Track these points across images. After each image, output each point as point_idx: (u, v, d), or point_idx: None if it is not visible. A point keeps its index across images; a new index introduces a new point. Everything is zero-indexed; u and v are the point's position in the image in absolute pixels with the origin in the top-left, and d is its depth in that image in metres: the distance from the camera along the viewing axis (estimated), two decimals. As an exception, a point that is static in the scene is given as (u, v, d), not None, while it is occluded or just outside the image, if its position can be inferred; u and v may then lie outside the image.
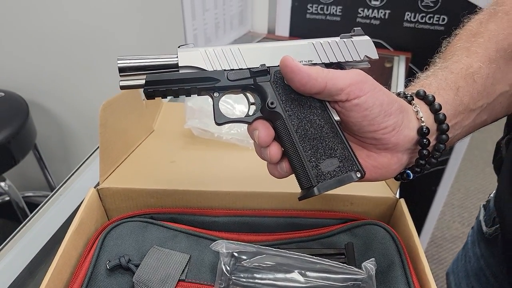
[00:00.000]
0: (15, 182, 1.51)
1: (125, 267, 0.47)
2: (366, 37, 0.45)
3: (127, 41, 1.35)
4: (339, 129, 0.42)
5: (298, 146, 0.41)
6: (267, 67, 0.43)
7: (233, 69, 0.43)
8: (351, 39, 0.44)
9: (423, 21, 1.08)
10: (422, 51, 1.10)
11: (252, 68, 0.43)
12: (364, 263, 0.43)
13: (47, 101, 1.59)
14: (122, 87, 0.42)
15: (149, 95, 0.43)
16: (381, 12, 1.09)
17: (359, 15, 1.10)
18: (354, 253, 0.47)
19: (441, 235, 2.03)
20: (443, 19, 1.06)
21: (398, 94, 0.45)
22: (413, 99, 0.44)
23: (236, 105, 0.75)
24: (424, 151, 0.43)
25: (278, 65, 0.42)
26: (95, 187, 0.56)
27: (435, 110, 0.43)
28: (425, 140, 0.42)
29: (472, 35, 0.49)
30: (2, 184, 1.44)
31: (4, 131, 1.29)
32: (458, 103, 0.44)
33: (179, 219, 0.55)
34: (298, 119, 0.42)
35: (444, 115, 0.43)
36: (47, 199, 0.72)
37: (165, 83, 0.42)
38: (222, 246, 0.46)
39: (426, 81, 0.46)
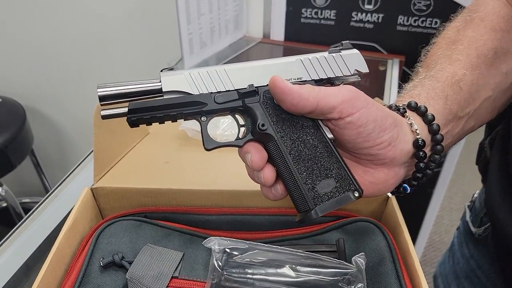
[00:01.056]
0: (12, 188, 1.51)
1: (118, 264, 0.47)
2: (355, 51, 0.44)
3: (122, 46, 1.36)
4: (334, 147, 0.41)
5: (293, 169, 0.40)
6: (255, 87, 0.41)
7: (220, 92, 0.41)
8: (340, 53, 0.43)
9: (416, 24, 1.09)
10: (416, 54, 1.12)
11: (240, 89, 0.41)
12: (354, 258, 0.44)
13: (44, 107, 1.60)
14: (104, 117, 0.40)
15: (133, 124, 0.41)
16: (375, 16, 1.10)
17: (352, 19, 1.12)
18: (345, 249, 0.48)
19: (439, 239, 2.03)
20: (436, 23, 1.07)
21: (390, 107, 0.44)
22: (406, 111, 0.43)
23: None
24: (421, 164, 0.43)
25: (267, 85, 0.40)
26: (89, 187, 0.56)
27: (428, 121, 0.43)
28: (421, 153, 0.42)
29: (451, 42, 0.49)
30: (-1, 189, 1.44)
31: (1, 136, 1.29)
32: (448, 112, 0.44)
33: (173, 218, 0.56)
34: (291, 140, 0.40)
35: (438, 125, 0.42)
36: (42, 200, 0.72)
37: (149, 110, 0.40)
38: (215, 243, 0.46)
39: (415, 92, 0.46)
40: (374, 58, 1.12)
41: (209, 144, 0.42)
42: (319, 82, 0.43)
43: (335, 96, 0.39)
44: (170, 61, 1.06)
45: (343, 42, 0.45)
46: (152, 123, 0.41)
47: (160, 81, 0.40)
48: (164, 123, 0.42)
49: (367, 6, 1.10)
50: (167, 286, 0.46)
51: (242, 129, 0.43)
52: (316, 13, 1.14)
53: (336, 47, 0.45)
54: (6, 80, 1.53)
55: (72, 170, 0.79)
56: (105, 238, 0.50)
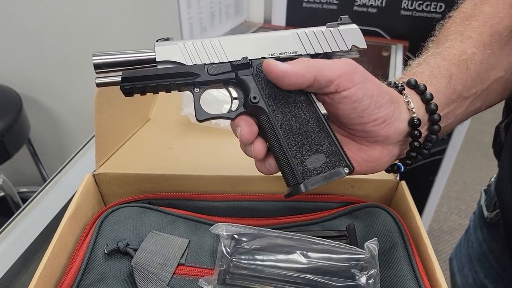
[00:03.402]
0: (9, 178, 1.49)
1: (123, 252, 0.46)
2: (354, 26, 0.43)
3: (121, 32, 1.34)
4: (326, 123, 0.41)
5: (283, 142, 0.40)
6: (249, 60, 0.41)
7: (213, 63, 0.41)
8: (338, 28, 0.42)
9: (420, 8, 1.07)
10: (420, 39, 1.09)
11: (233, 61, 0.41)
12: (366, 243, 0.43)
13: (41, 95, 1.57)
14: (98, 85, 0.41)
15: (127, 92, 0.41)
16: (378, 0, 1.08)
17: (356, 3, 1.09)
18: (355, 234, 0.46)
19: (438, 227, 2.04)
20: (440, 7, 1.05)
21: (389, 84, 0.43)
22: (404, 89, 0.42)
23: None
24: (415, 143, 0.42)
25: (261, 58, 0.40)
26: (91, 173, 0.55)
27: (426, 100, 0.42)
28: (416, 132, 0.41)
29: (466, 18, 0.48)
30: (-4, 178, 1.42)
31: (-3, 124, 1.27)
32: (451, 91, 0.43)
33: (178, 204, 0.54)
34: (282, 114, 0.40)
35: (435, 105, 0.42)
36: (41, 188, 0.71)
37: (142, 79, 0.40)
38: (222, 229, 0.45)
39: (418, 69, 0.45)
40: (377, 43, 1.10)
41: (201, 115, 0.42)
42: (315, 57, 0.42)
43: (331, 69, 0.38)
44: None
45: (342, 16, 0.44)
46: (146, 93, 0.42)
47: (155, 51, 0.41)
48: (158, 93, 0.42)
49: (370, -10, 1.08)
50: (174, 273, 0.45)
51: (235, 101, 0.43)
52: (318, 2, 1.12)
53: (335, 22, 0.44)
54: (2, 68, 1.50)
55: (72, 157, 0.77)
56: (108, 225, 0.49)
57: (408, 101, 0.41)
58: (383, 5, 1.08)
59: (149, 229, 0.49)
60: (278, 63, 0.38)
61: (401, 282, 0.43)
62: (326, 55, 0.42)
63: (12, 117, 1.32)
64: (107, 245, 0.46)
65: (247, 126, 0.41)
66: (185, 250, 0.47)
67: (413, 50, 1.10)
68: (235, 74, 0.41)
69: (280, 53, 0.41)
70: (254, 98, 0.40)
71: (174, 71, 0.40)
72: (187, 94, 0.73)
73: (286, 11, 1.16)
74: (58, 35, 1.39)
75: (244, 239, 0.44)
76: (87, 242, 0.47)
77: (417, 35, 1.09)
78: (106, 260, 0.45)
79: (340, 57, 0.43)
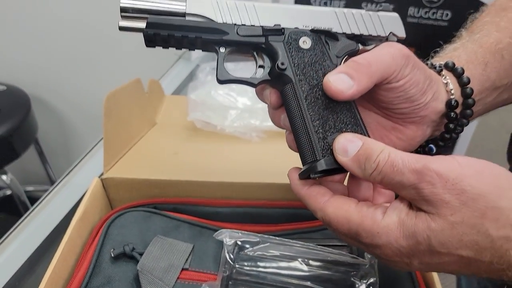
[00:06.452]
0: (16, 177, 1.51)
1: (129, 255, 0.47)
2: (395, 14, 0.42)
3: (130, 35, 1.35)
4: (354, 104, 0.39)
5: (306, 114, 0.37)
6: (282, 27, 0.40)
7: (244, 25, 0.40)
8: (378, 13, 0.42)
9: (426, 16, 1.07)
10: (426, 46, 1.09)
11: (265, 26, 0.40)
12: (366, 252, 0.43)
13: (49, 96, 1.59)
14: (121, 28, 0.40)
15: (149, 40, 0.40)
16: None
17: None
18: (357, 243, 0.47)
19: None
20: (447, 15, 1.05)
21: (426, 65, 0.43)
22: (442, 70, 0.42)
23: (239, 98, 0.76)
24: (451, 125, 0.42)
25: (294, 28, 0.40)
26: (99, 177, 0.56)
27: (463, 83, 0.41)
28: (452, 114, 0.41)
29: (502, 9, 0.48)
30: (4, 177, 1.44)
31: (5, 124, 1.29)
32: (486, 78, 0.43)
33: (182, 209, 0.56)
34: (309, 86, 0.38)
35: (471, 89, 0.41)
36: (49, 190, 0.72)
37: (168, 28, 0.39)
38: (226, 235, 0.46)
39: (455, 53, 0.45)
40: (382, 50, 1.10)
41: (223, 76, 0.40)
42: (350, 37, 0.41)
43: (390, 67, 0.36)
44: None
45: (382, 3, 0.43)
46: (169, 46, 0.41)
47: (185, 4, 0.40)
48: (181, 49, 0.41)
49: (376, -3, 1.08)
50: (178, 278, 0.46)
51: (260, 69, 0.42)
52: (325, 3, 1.12)
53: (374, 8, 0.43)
54: (11, 68, 1.52)
55: (80, 160, 0.79)
56: (115, 229, 0.50)
57: (447, 83, 0.41)
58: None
59: (154, 233, 0.50)
60: (339, 81, 0.36)
61: (400, 291, 0.44)
62: (361, 38, 0.42)
63: (21, 117, 1.33)
64: (114, 249, 0.47)
65: (273, 92, 0.41)
66: (189, 255, 0.48)
67: (419, 57, 1.10)
68: (265, 38, 0.40)
69: (315, 27, 0.40)
70: (282, 64, 0.39)
71: (203, 25, 0.40)
72: (193, 100, 0.74)
73: None
74: (68, 36, 1.40)
75: (247, 246, 0.45)
76: (94, 245, 0.48)
77: (423, 42, 1.09)
78: (113, 263, 0.47)
79: (375, 43, 0.42)
